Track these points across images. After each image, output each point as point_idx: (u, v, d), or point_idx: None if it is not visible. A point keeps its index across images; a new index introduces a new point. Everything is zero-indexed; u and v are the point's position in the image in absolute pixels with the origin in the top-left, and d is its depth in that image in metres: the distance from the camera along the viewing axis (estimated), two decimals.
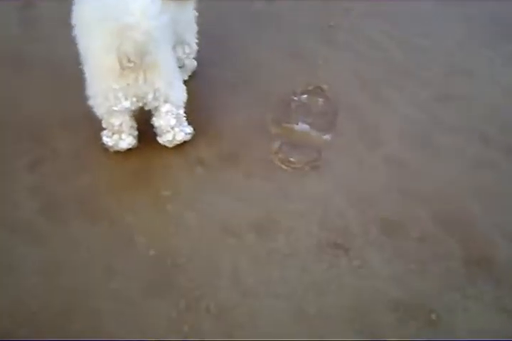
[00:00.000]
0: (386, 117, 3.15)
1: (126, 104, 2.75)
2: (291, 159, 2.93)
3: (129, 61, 2.56)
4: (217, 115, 3.14)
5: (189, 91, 2.92)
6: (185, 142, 2.98)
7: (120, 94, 2.70)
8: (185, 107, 2.93)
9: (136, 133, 2.93)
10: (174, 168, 2.90)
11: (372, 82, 3.32)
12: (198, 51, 3.27)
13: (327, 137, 2.96)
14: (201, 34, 3.22)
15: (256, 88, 3.27)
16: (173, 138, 2.93)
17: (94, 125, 2.95)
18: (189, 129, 2.98)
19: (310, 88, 3.12)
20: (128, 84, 2.68)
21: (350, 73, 3.36)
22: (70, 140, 3.00)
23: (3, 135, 3.01)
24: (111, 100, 2.73)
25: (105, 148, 2.94)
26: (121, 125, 2.86)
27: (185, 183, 2.85)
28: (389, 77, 3.34)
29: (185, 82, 2.97)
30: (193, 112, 3.05)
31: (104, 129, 2.92)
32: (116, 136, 2.90)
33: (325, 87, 3.13)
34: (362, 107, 3.19)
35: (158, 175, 2.88)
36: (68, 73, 3.15)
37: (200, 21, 3.17)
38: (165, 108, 2.85)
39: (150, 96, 2.76)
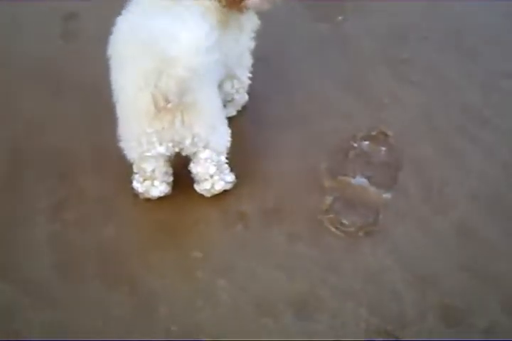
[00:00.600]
0: (457, 174, 2.76)
1: (161, 149, 2.44)
2: (344, 221, 2.57)
3: (166, 101, 2.23)
4: (263, 159, 2.80)
5: (234, 129, 2.61)
6: (225, 191, 2.62)
7: (154, 139, 2.39)
8: (229, 148, 2.62)
9: (170, 179, 2.63)
10: (210, 223, 2.59)
11: (444, 130, 2.92)
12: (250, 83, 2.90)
13: (387, 196, 2.61)
14: (255, 61, 2.87)
15: (311, 128, 2.91)
16: (212, 187, 2.60)
17: (126, 164, 2.63)
18: (230, 178, 2.65)
19: (373, 133, 2.79)
20: (163, 128, 2.36)
21: (419, 117, 2.95)
22: (99, 179, 2.72)
23: (25, 168, 2.75)
24: (143, 145, 2.42)
25: (135, 194, 2.58)
26: (153, 171, 2.56)
27: (221, 243, 2.53)
28: (463, 126, 2.92)
29: (231, 119, 2.69)
30: (237, 154, 2.71)
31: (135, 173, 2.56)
32: (147, 183, 2.59)
33: (389, 133, 2.76)
34: (429, 160, 2.80)
35: (191, 231, 2.57)
36: (104, 101, 2.78)
37: (255, 47, 2.80)
38: (204, 154, 2.53)
39: (188, 142, 2.44)
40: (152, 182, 2.59)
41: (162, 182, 2.60)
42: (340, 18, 3.41)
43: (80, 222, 2.56)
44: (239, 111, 2.95)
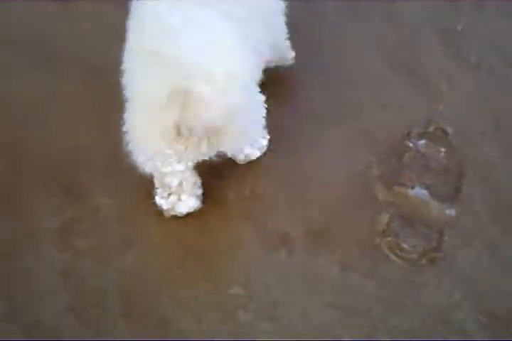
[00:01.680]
0: None
1: (179, 167, 2.09)
2: (404, 246, 2.24)
3: (190, 131, 1.87)
4: (304, 164, 2.41)
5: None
6: (262, 208, 2.25)
7: (172, 159, 2.04)
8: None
9: (199, 192, 2.27)
10: (249, 249, 2.23)
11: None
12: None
13: (451, 212, 2.28)
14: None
15: (357, 122, 2.51)
16: (247, 157, 2.34)
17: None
18: (266, 141, 2.36)
19: (430, 129, 2.40)
20: (186, 148, 1.98)
21: (481, 108, 2.57)
22: (115, 194, 2.31)
23: (29, 184, 2.32)
24: (158, 164, 2.05)
25: (159, 211, 2.19)
26: (180, 184, 2.18)
27: (262, 275, 2.19)
28: None
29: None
30: (273, 157, 2.36)
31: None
32: (173, 198, 2.23)
33: (449, 129, 2.38)
34: (496, 164, 2.45)
35: (227, 259, 2.23)
36: (111, 85, 2.36)
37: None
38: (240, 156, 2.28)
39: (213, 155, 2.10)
40: (179, 196, 2.21)
41: (190, 195, 2.22)
42: None
43: (94, 249, 2.19)
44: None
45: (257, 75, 2.10)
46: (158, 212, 2.26)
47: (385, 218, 2.29)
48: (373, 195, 2.34)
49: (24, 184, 2.30)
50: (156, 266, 2.17)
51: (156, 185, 2.20)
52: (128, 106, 1.97)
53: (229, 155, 2.25)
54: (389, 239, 2.26)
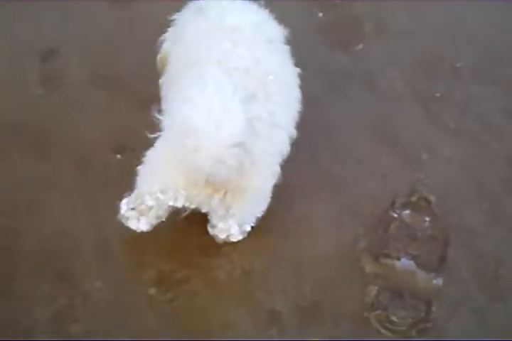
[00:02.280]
0: (510, 248, 2.45)
1: (179, 204, 2.15)
2: (393, 318, 2.29)
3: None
4: (292, 239, 2.47)
5: None
6: (253, 286, 2.33)
7: (181, 199, 2.12)
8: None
9: (154, 222, 2.32)
10: (240, 329, 2.27)
11: (493, 190, 2.61)
12: None
13: (438, 282, 2.34)
14: None
15: (343, 194, 2.60)
16: (227, 238, 2.38)
17: (135, 253, 2.40)
18: (249, 227, 2.39)
19: (413, 199, 2.46)
20: (198, 196, 2.08)
21: (461, 176, 2.65)
22: (107, 277, 2.35)
23: (21, 273, 2.35)
24: (165, 193, 2.14)
25: (150, 295, 2.24)
26: (150, 209, 2.24)
27: None
28: None
29: None
30: (262, 229, 2.41)
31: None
32: (134, 213, 2.30)
33: (431, 198, 2.45)
34: (479, 231, 2.52)
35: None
36: (99, 165, 2.57)
37: None
38: (233, 220, 2.31)
39: (219, 213, 2.23)
40: (139, 215, 2.28)
41: (147, 221, 2.29)
42: (360, 46, 2.98)
43: (88, 335, 2.20)
44: None
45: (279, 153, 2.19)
46: (150, 295, 2.29)
47: (373, 291, 2.35)
48: (361, 268, 2.40)
49: (16, 273, 2.34)
50: None
51: (133, 195, 2.25)
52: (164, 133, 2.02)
53: (211, 232, 2.35)
54: (378, 312, 2.31)
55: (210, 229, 2.38)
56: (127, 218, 2.30)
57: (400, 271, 2.40)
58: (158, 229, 2.41)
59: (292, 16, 2.36)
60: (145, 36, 2.61)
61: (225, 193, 2.10)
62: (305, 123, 2.61)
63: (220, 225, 2.33)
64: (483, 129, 2.79)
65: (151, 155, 2.13)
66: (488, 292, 2.38)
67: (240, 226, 2.35)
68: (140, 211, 2.27)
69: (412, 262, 2.41)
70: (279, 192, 2.44)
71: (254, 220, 2.35)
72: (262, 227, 2.42)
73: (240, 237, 2.38)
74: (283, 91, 2.12)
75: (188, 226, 2.42)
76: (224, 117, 1.83)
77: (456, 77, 2.93)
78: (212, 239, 2.40)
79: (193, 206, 2.17)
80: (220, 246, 2.41)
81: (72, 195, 2.51)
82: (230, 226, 2.34)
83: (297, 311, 2.31)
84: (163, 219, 2.29)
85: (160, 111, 2.00)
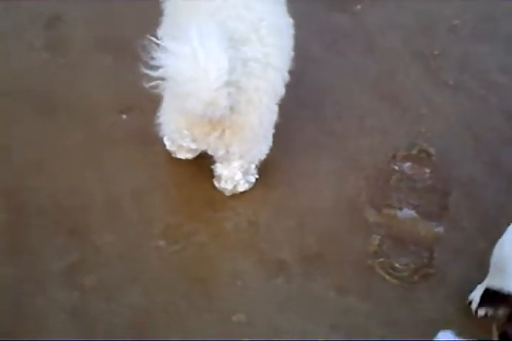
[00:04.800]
0: (510, 197, 2.50)
1: (193, 145, 2.32)
2: (396, 265, 2.36)
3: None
4: (296, 192, 2.54)
5: None
6: (259, 237, 2.38)
7: (187, 139, 2.28)
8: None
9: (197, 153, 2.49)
10: (248, 277, 2.35)
11: (491, 142, 2.67)
12: None
13: (439, 230, 2.39)
14: None
15: (345, 149, 2.66)
16: (234, 188, 2.47)
17: (143, 209, 2.44)
18: (254, 177, 2.50)
19: (413, 152, 2.53)
20: (199, 133, 2.20)
21: (461, 129, 2.72)
22: (114, 233, 2.43)
23: (33, 228, 2.41)
24: (177, 138, 2.35)
25: (159, 246, 2.33)
26: (180, 145, 2.43)
27: (263, 301, 2.30)
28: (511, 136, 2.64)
29: None
30: (267, 187, 2.49)
31: None
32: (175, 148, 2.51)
33: (431, 150, 2.51)
34: (479, 181, 2.58)
35: (228, 288, 2.34)
36: (104, 126, 2.64)
37: None
38: (236, 163, 2.40)
39: (220, 152, 2.31)
40: (179, 148, 2.48)
41: (186, 153, 2.50)
42: (358, 7, 3.03)
43: (101, 287, 2.28)
44: None
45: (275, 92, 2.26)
46: (159, 247, 2.36)
47: (376, 240, 2.41)
48: (364, 218, 2.46)
49: (28, 228, 2.40)
50: (161, 300, 2.27)
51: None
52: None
53: (217, 186, 2.45)
54: (381, 259, 2.38)
55: (216, 183, 2.46)
56: (173, 151, 2.50)
57: (402, 220, 2.46)
58: (165, 185, 2.47)
59: None
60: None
61: (223, 131, 2.18)
62: (306, 82, 2.69)
63: (225, 173, 2.42)
64: (481, 85, 2.84)
65: (162, 103, 2.23)
66: (488, 238, 2.41)
67: (245, 174, 2.43)
68: (176, 145, 2.46)
69: (413, 211, 2.48)
70: (283, 147, 2.52)
71: (256, 164, 2.42)
72: (266, 181, 2.50)
73: (247, 186, 2.46)
74: (276, 35, 2.19)
75: (194, 182, 2.51)
76: (208, 62, 1.92)
77: (453, 35, 3.00)
78: (218, 193, 2.48)
79: (199, 146, 2.27)
80: (226, 200, 2.47)
81: (81, 153, 2.58)
82: (234, 173, 2.42)
83: (303, 260, 2.37)
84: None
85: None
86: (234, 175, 2.43)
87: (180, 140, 2.34)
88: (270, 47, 2.15)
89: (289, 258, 2.38)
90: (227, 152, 2.29)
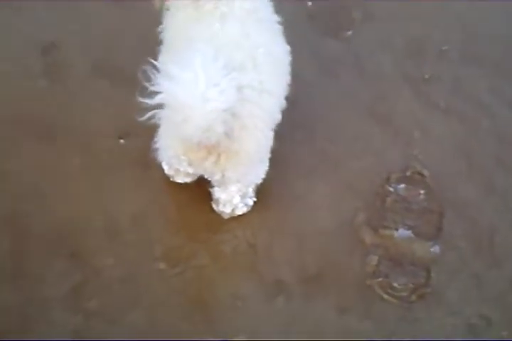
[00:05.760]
0: (505, 217, 2.61)
1: (190, 170, 2.37)
2: (394, 284, 2.42)
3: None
4: (294, 214, 2.59)
5: None
6: (259, 258, 2.47)
7: (184, 163, 2.32)
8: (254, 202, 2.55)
9: (194, 178, 2.55)
10: (248, 298, 2.42)
11: (484, 165, 2.75)
12: None
13: (435, 250, 2.47)
14: None
15: (340, 171, 2.72)
16: (233, 211, 2.54)
17: (144, 230, 2.50)
18: (252, 200, 2.55)
19: (408, 174, 2.60)
20: (195, 159, 2.25)
21: (453, 151, 2.79)
22: (115, 255, 2.47)
23: (29, 249, 2.46)
24: (174, 163, 2.41)
25: (159, 270, 2.43)
26: (178, 170, 2.50)
27: (264, 323, 2.36)
28: (503, 158, 2.73)
29: None
30: (264, 210, 2.53)
31: None
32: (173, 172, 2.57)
33: (425, 172, 2.59)
34: (473, 202, 2.66)
35: (229, 310, 2.38)
36: (104, 149, 2.65)
37: None
38: (234, 187, 2.45)
39: (216, 177, 2.34)
40: (177, 172, 2.54)
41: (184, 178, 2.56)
42: (349, 32, 3.12)
43: (103, 310, 2.33)
44: None
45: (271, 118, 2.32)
46: (160, 269, 2.40)
47: (374, 260, 2.47)
48: (361, 239, 2.53)
49: (30, 253, 2.44)
50: (163, 322, 2.32)
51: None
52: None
53: (216, 209, 2.51)
54: (380, 279, 2.44)
55: (214, 206, 2.52)
56: (172, 175, 2.56)
57: (399, 240, 2.52)
58: (164, 208, 2.53)
59: (283, 5, 2.47)
60: (143, 26, 2.71)
61: (219, 156, 2.22)
62: (300, 105, 2.76)
63: (223, 196, 2.47)
64: (472, 107, 2.92)
65: (159, 129, 2.25)
66: (483, 258, 2.51)
67: (242, 197, 2.48)
68: (174, 170, 2.52)
69: (409, 232, 2.54)
70: (278, 170, 2.57)
71: (254, 187, 2.49)
72: (263, 204, 2.56)
73: (245, 209, 2.52)
74: (272, 62, 2.24)
75: (193, 204, 2.56)
76: (208, 90, 1.95)
77: (443, 59, 3.07)
78: (217, 215, 2.53)
79: (195, 170, 2.33)
80: (225, 223, 2.53)
81: (81, 178, 2.62)
82: (232, 197, 2.47)
83: (302, 281, 2.43)
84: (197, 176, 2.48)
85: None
86: (232, 198, 2.48)
87: (177, 165, 2.38)
88: (266, 75, 2.20)
89: (288, 279, 2.43)
90: (223, 176, 2.33)
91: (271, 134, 2.33)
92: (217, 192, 2.49)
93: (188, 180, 2.56)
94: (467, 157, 2.77)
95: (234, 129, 2.10)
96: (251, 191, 2.53)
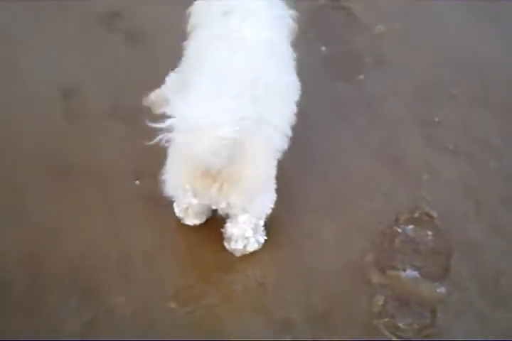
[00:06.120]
0: (510, 259, 2.61)
1: (194, 201, 2.46)
2: (400, 325, 2.45)
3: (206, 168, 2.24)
4: (303, 254, 2.67)
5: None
6: (267, 297, 2.52)
7: (189, 193, 2.39)
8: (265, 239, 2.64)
9: (204, 218, 2.69)
10: (256, 337, 2.43)
11: (492, 206, 2.79)
12: None
13: (441, 290, 2.51)
14: None
15: (350, 212, 2.77)
16: (244, 248, 2.61)
17: (156, 269, 2.59)
18: (263, 238, 2.64)
19: (416, 215, 2.65)
20: (199, 187, 2.34)
21: (461, 193, 2.84)
22: (127, 293, 2.55)
23: (49, 290, 2.54)
24: (180, 195, 2.48)
25: (170, 309, 2.48)
26: (187, 208, 2.61)
27: None
28: (510, 199, 2.77)
29: None
30: (273, 249, 2.63)
31: None
32: (184, 212, 2.67)
33: (434, 213, 2.63)
34: (480, 243, 2.71)
35: None
36: (118, 189, 2.79)
37: None
38: (243, 218, 2.52)
39: (222, 205, 2.42)
40: (187, 213, 2.64)
41: (194, 218, 2.66)
42: (361, 76, 3.22)
43: None
44: None
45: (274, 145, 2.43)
46: (171, 308, 2.47)
47: (380, 300, 2.52)
48: (368, 279, 2.58)
49: (45, 289, 2.53)
50: None
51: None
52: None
53: (228, 247, 2.60)
54: (386, 319, 2.48)
55: (226, 245, 2.61)
56: (182, 217, 2.66)
57: (406, 281, 2.57)
58: (176, 248, 2.61)
59: (297, 50, 2.59)
60: (160, 71, 2.84)
61: (222, 184, 2.31)
62: (311, 147, 2.85)
63: (235, 231, 2.56)
64: (481, 150, 2.99)
65: (166, 162, 2.40)
66: (489, 299, 2.54)
67: (254, 232, 2.56)
68: (183, 211, 2.62)
69: (416, 273, 2.59)
70: (288, 209, 2.66)
71: (263, 222, 2.58)
72: (273, 243, 2.64)
73: (256, 246, 2.60)
74: (272, 93, 2.35)
75: (204, 244, 2.66)
76: (220, 115, 2.07)
77: (453, 102, 3.14)
78: (227, 255, 2.61)
79: (200, 200, 2.42)
80: (235, 262, 2.60)
81: (96, 217, 2.72)
82: (244, 230, 2.55)
83: (309, 320, 2.48)
84: (206, 215, 2.64)
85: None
86: (244, 232, 2.54)
87: (182, 196, 2.47)
88: (266, 106, 2.30)
89: (296, 317, 2.48)
90: (229, 205, 2.40)
91: (274, 163, 2.43)
92: (229, 229, 2.57)
93: (197, 222, 2.66)
94: (475, 198, 2.82)
95: (235, 155, 2.19)
96: (261, 225, 2.60)
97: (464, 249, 2.67)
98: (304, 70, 2.76)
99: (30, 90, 3.16)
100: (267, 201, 2.52)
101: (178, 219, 2.68)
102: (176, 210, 2.66)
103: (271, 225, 2.64)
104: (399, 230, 2.70)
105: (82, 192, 2.81)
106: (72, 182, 2.85)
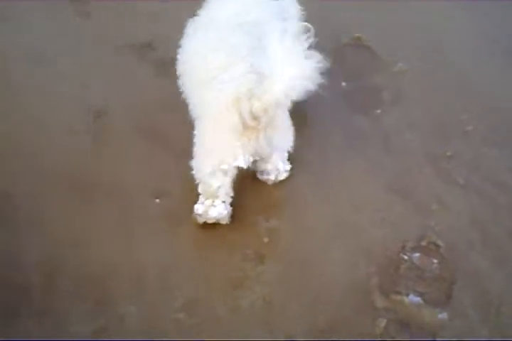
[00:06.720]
0: None
1: (240, 161, 2.71)
2: None
3: (256, 122, 2.57)
4: (311, 275, 2.74)
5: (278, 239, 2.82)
6: (273, 314, 2.63)
7: (239, 151, 2.67)
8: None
9: (229, 200, 2.85)
10: None
11: (498, 238, 2.87)
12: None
13: (443, 316, 2.56)
14: (294, 164, 3.10)
15: (359, 238, 2.84)
16: (276, 178, 3.04)
17: (167, 281, 2.71)
18: (289, 166, 3.07)
19: (423, 243, 2.74)
20: (249, 142, 2.65)
21: (469, 224, 2.93)
22: (139, 305, 2.67)
23: (64, 295, 2.69)
24: (227, 157, 2.68)
25: (178, 320, 2.58)
26: (219, 187, 2.78)
27: None
28: None
29: (273, 229, 2.90)
30: (283, 265, 2.79)
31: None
32: (208, 202, 2.82)
33: (440, 242, 2.72)
34: (484, 273, 2.78)
35: None
36: (139, 210, 2.94)
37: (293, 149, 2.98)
38: (276, 155, 2.93)
39: (267, 151, 2.76)
40: (213, 201, 2.80)
41: (222, 202, 2.82)
42: (378, 111, 3.35)
43: None
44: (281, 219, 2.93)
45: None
46: (179, 319, 2.59)
47: (382, 322, 2.61)
48: (372, 302, 2.67)
49: (59, 292, 2.68)
50: None
51: (199, 190, 2.82)
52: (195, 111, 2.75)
53: (260, 178, 2.99)
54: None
55: (259, 176, 3.02)
56: (206, 211, 2.82)
57: (408, 305, 2.66)
58: (188, 263, 2.74)
59: (320, 85, 2.73)
60: (181, 106, 2.98)
61: (265, 130, 2.63)
62: (326, 177, 2.98)
63: (269, 167, 2.96)
64: (491, 185, 3.09)
65: (197, 146, 2.71)
66: (490, 327, 2.61)
67: (283, 162, 2.99)
68: (212, 196, 2.80)
69: (419, 298, 2.68)
70: (300, 234, 2.79)
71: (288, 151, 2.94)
72: (283, 262, 2.74)
73: (285, 175, 3.04)
74: None
75: (215, 260, 2.79)
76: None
77: (466, 139, 3.26)
78: (237, 272, 2.73)
79: (250, 158, 2.72)
80: (244, 280, 2.72)
81: (114, 230, 2.88)
82: (277, 164, 2.98)
83: (312, 336, 2.57)
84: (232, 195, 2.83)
85: None
86: (277, 165, 2.97)
87: (226, 161, 2.70)
88: None
89: (298, 334, 2.58)
90: (272, 145, 2.72)
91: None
92: (262, 165, 2.95)
93: (222, 210, 2.84)
94: (482, 230, 2.91)
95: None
96: (286, 156, 3.01)
97: (467, 277, 2.75)
98: (325, 104, 2.92)
99: (59, 110, 3.36)
100: (289, 137, 2.83)
101: (192, 236, 2.82)
102: (198, 207, 2.83)
103: (282, 248, 2.80)
104: (405, 257, 2.80)
105: (104, 208, 2.97)
106: (95, 198, 3.01)
